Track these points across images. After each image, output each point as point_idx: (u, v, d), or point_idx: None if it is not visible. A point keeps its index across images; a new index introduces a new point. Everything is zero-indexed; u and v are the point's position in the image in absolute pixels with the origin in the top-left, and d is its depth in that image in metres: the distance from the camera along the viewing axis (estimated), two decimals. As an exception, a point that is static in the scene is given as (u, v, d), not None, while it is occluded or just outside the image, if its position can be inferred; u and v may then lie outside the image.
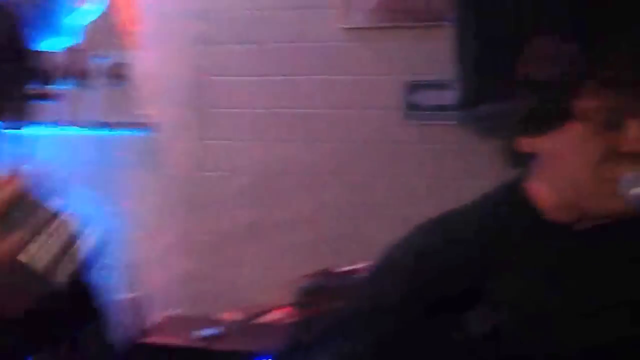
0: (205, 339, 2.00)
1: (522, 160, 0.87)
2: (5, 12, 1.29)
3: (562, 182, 0.83)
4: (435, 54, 2.26)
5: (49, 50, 2.65)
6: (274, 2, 2.51)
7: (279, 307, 2.17)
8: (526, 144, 0.85)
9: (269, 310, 2.11)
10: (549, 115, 0.82)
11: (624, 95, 0.74)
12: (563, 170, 0.84)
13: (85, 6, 2.64)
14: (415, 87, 2.37)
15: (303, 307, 1.94)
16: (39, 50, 2.44)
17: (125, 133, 2.53)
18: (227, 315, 2.17)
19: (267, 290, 2.36)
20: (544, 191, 0.84)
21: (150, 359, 1.99)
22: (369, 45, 2.43)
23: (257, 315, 2.13)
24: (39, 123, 2.32)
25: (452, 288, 0.94)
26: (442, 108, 2.26)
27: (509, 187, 0.93)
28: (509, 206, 0.92)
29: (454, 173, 2.25)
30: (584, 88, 0.76)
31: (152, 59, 2.53)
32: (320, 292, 1.87)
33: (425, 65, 2.32)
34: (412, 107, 2.38)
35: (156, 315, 2.38)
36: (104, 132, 2.48)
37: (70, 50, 2.66)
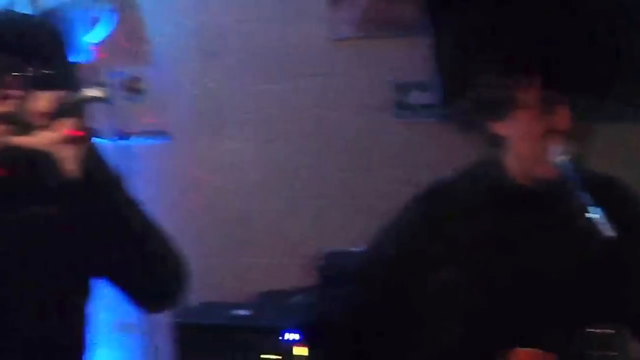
0: (236, 318, 2.28)
1: (496, 141, 1.23)
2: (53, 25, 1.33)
3: (522, 155, 1.21)
4: (417, 59, 2.60)
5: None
6: (268, 16, 2.74)
7: (297, 289, 2.48)
8: (494, 127, 1.21)
9: (289, 292, 2.41)
10: (500, 106, 1.19)
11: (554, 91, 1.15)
12: (521, 146, 1.22)
13: (98, 24, 2.88)
14: (402, 87, 2.60)
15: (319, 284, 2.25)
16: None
17: (141, 142, 2.76)
18: (253, 299, 2.46)
19: (281, 274, 2.66)
20: (513, 162, 1.22)
21: (190, 337, 2.28)
22: (355, 53, 2.68)
23: (278, 297, 2.42)
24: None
25: (435, 248, 1.25)
26: (428, 107, 2.56)
27: (486, 162, 1.28)
28: (488, 177, 1.26)
29: (440, 164, 2.57)
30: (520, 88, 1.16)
31: (162, 73, 2.79)
32: (334, 267, 2.18)
33: (409, 69, 2.57)
34: (402, 106, 2.61)
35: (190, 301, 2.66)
36: (122, 141, 2.72)
37: (86, 66, 2.89)
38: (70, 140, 1.07)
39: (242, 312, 2.32)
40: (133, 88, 2.73)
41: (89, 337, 1.34)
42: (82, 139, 1.08)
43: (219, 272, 2.76)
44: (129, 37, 2.83)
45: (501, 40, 1.23)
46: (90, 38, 2.86)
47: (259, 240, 2.77)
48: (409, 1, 2.60)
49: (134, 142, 2.70)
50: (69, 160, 1.07)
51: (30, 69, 1.13)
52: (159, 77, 2.79)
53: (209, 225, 2.80)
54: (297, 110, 2.74)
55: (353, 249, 2.27)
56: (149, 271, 1.18)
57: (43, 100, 1.08)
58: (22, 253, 1.18)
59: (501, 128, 1.23)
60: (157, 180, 2.73)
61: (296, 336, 2.15)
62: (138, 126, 2.72)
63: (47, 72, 1.14)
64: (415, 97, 2.61)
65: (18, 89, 1.12)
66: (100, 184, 1.11)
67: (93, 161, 1.10)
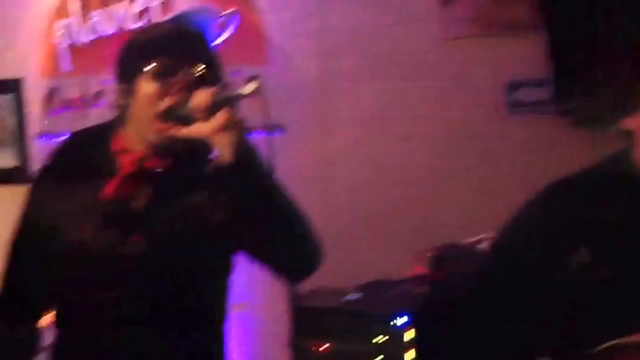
0: (349, 302, 2.41)
1: (625, 136, 1.25)
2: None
3: None
4: (529, 56, 2.62)
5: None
6: (381, 17, 2.85)
7: (405, 279, 2.57)
8: (623, 122, 1.23)
9: (400, 283, 2.51)
10: (629, 101, 1.21)
11: None
12: None
13: (222, 28, 3.10)
14: (514, 85, 2.64)
15: (433, 273, 2.33)
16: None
17: (258, 135, 2.95)
18: (362, 287, 2.57)
19: (390, 265, 2.75)
20: None
21: (304, 319, 2.43)
22: (467, 52, 2.74)
23: (387, 285, 2.53)
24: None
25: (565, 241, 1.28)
26: (541, 103, 2.59)
27: (615, 157, 1.30)
28: (616, 173, 1.28)
29: (553, 160, 2.58)
30: None
31: (279, 71, 2.97)
32: (447, 261, 2.26)
33: (521, 67, 2.63)
34: (514, 104, 2.65)
35: (299, 288, 2.82)
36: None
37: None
38: (224, 130, 1.21)
39: (352, 297, 2.43)
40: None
41: (228, 310, 1.52)
42: (235, 129, 1.22)
43: (329, 263, 2.91)
44: (249, 38, 3.02)
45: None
46: (216, 41, 3.09)
47: (369, 234, 2.87)
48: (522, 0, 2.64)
49: (253, 135, 2.88)
50: (224, 147, 1.22)
51: (189, 70, 1.30)
52: (277, 76, 2.96)
53: (318, 218, 2.93)
54: (410, 108, 2.82)
55: (462, 242, 2.35)
56: (295, 246, 1.32)
57: (201, 97, 1.24)
58: (182, 236, 1.34)
59: (631, 123, 1.23)
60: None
61: (404, 320, 2.24)
62: (256, 121, 2.89)
63: (202, 72, 1.30)
64: (528, 94, 2.64)
65: (180, 88, 1.29)
66: (251, 169, 1.25)
67: (244, 149, 1.25)
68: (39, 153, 3.58)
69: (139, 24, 3.26)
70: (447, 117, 2.78)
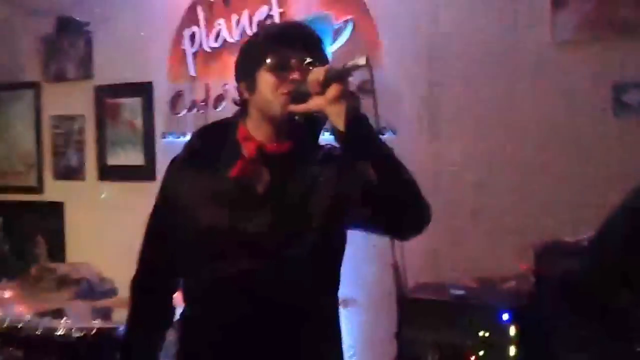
0: (455, 296, 2.48)
1: None
2: None
3: None
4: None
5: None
6: (492, 22, 2.90)
7: (509, 276, 2.62)
8: None
9: (505, 280, 2.56)
10: None
11: None
12: None
13: (338, 34, 3.26)
14: (622, 87, 2.63)
15: (537, 269, 2.36)
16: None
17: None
18: (468, 282, 2.65)
19: (495, 262, 2.80)
20: None
21: (411, 312, 2.51)
22: (577, 55, 2.75)
23: (496, 282, 2.58)
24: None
25: None
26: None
27: None
28: None
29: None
30: None
31: (392, 75, 3.09)
32: (554, 256, 2.29)
33: (630, 69, 2.62)
34: (621, 106, 2.64)
35: (408, 282, 2.91)
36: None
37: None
38: (338, 101, 1.36)
39: (458, 292, 2.50)
40: (364, 88, 3.04)
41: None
42: (347, 100, 1.36)
43: (439, 258, 2.98)
44: (363, 43, 3.15)
45: None
46: (332, 46, 3.25)
47: (477, 231, 2.92)
48: (635, 2, 2.62)
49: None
50: (338, 118, 1.36)
51: (304, 61, 1.45)
52: (389, 80, 3.07)
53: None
54: (519, 110, 2.85)
55: (567, 240, 2.37)
56: (412, 204, 1.46)
57: (316, 72, 1.39)
58: (302, 215, 1.48)
59: None
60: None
61: (507, 316, 2.29)
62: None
63: (316, 59, 1.46)
64: (635, 97, 2.62)
65: (295, 78, 1.45)
66: (365, 135, 1.39)
67: (357, 118, 1.38)
68: (164, 151, 3.87)
69: (259, 32, 3.48)
70: (555, 118, 2.80)
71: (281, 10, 3.42)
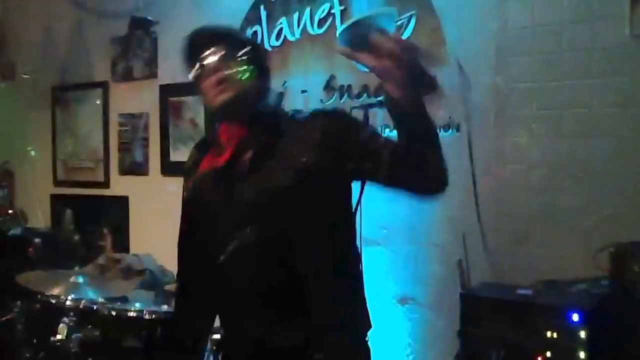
0: (523, 296, 2.41)
1: None
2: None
3: None
4: None
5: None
6: (565, 17, 2.80)
7: (579, 278, 2.53)
8: None
9: (576, 282, 2.47)
10: None
11: None
12: None
13: (402, 30, 3.23)
14: None
15: (612, 271, 2.28)
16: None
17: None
18: (540, 284, 2.57)
19: (562, 263, 2.72)
20: None
21: (475, 310, 2.47)
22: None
23: (566, 284, 2.50)
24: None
25: None
26: None
27: None
28: None
29: None
30: None
31: (456, 71, 3.03)
32: (630, 258, 2.21)
33: None
34: None
35: (471, 281, 2.88)
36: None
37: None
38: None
39: (524, 292, 2.43)
40: (428, 85, 3.00)
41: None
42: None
43: (504, 259, 2.91)
44: (427, 39, 3.12)
45: None
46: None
47: (545, 232, 2.82)
48: None
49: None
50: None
51: None
52: (454, 76, 3.02)
53: (492, 215, 2.95)
54: (593, 108, 2.75)
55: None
56: (438, 165, 1.52)
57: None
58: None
59: None
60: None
61: (577, 317, 2.22)
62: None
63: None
64: None
65: None
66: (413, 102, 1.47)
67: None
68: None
69: (321, 30, 3.49)
70: (629, 114, 2.68)
71: (342, 7, 3.42)
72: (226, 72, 1.60)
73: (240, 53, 1.62)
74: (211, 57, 1.62)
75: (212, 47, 1.63)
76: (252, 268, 1.55)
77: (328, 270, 1.57)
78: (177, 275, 1.86)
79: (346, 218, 1.66)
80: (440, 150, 1.52)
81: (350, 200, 1.66)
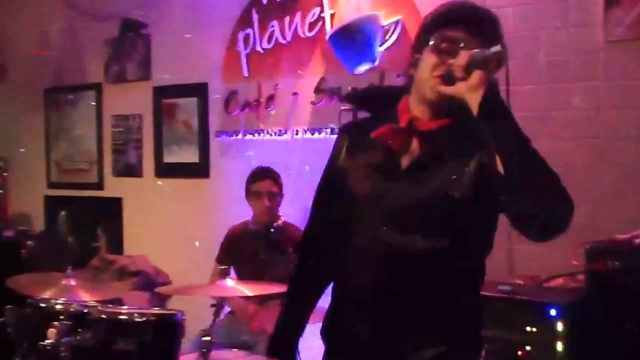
0: (503, 291, 2.50)
1: None
2: None
3: None
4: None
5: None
6: (548, 23, 2.90)
7: (560, 274, 2.62)
8: None
9: (553, 277, 2.56)
10: None
11: None
12: None
13: (388, 35, 3.31)
14: None
15: (587, 267, 2.37)
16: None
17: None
18: (519, 279, 2.66)
19: (541, 259, 2.77)
20: None
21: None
22: (629, 54, 2.73)
23: (544, 280, 2.59)
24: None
25: None
26: None
27: None
28: None
29: None
30: None
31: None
32: (605, 254, 2.29)
33: None
34: None
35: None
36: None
37: (372, 71, 3.34)
38: (477, 89, 1.34)
39: (505, 288, 2.52)
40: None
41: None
42: (484, 87, 1.34)
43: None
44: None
45: None
46: (382, 46, 3.31)
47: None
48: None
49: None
50: (474, 103, 1.34)
51: (462, 42, 1.42)
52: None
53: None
54: (570, 109, 2.83)
55: (618, 238, 2.37)
56: (544, 202, 1.36)
57: (462, 57, 1.37)
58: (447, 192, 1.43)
59: None
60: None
61: (554, 312, 2.30)
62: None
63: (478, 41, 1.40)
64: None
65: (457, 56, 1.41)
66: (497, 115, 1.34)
67: (491, 101, 1.34)
68: (218, 149, 3.99)
69: (311, 34, 3.56)
70: (608, 117, 2.78)
71: (332, 11, 3.50)
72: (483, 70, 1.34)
73: (494, 50, 1.35)
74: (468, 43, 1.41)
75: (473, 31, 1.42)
76: (404, 268, 1.45)
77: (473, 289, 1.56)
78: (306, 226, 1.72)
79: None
80: (553, 177, 1.43)
81: None
